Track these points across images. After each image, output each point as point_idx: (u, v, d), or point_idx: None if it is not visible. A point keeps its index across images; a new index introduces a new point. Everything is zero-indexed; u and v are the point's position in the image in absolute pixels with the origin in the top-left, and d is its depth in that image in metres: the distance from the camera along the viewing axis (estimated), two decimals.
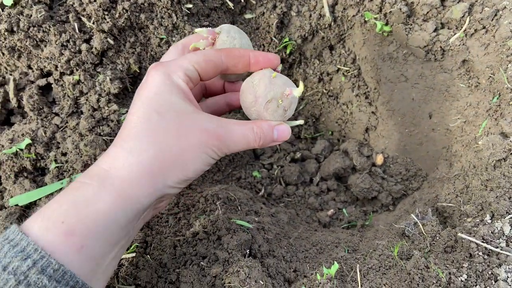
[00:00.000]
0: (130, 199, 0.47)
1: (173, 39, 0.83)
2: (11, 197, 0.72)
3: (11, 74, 0.80)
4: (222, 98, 0.68)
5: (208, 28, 0.61)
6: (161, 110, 0.51)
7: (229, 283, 0.58)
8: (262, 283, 0.58)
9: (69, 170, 0.73)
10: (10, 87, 0.78)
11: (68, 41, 0.76)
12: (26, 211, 0.73)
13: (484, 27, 0.80)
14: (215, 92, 0.68)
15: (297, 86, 0.56)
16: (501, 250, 0.57)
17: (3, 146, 0.74)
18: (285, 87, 0.56)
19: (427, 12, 0.84)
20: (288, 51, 1.00)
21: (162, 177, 0.49)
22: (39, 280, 0.40)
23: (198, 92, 0.66)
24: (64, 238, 0.43)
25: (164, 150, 0.49)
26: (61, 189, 0.71)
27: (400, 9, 0.84)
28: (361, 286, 0.60)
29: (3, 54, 0.77)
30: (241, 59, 0.57)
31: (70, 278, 0.41)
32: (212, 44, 0.60)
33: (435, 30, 0.83)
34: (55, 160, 0.73)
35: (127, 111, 0.78)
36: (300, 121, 0.61)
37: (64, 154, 0.74)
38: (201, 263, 0.63)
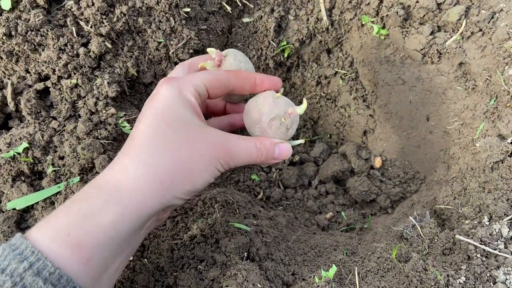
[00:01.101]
0: (137, 210, 0.48)
1: (171, 42, 0.83)
2: (9, 201, 0.72)
3: (9, 78, 0.80)
4: (225, 119, 0.70)
5: (217, 50, 0.64)
6: (171, 122, 0.52)
7: (227, 286, 0.58)
8: (260, 286, 0.58)
9: (66, 174, 0.72)
10: (8, 91, 0.78)
11: (66, 45, 0.76)
12: (23, 215, 0.73)
13: (480, 30, 0.80)
14: (216, 113, 0.71)
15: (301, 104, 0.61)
16: (499, 252, 0.57)
17: (0, 150, 0.74)
18: (288, 107, 0.59)
19: (424, 15, 0.84)
20: (286, 55, 1.00)
21: (170, 188, 0.50)
22: (34, 282, 0.40)
23: (202, 110, 0.68)
24: (70, 250, 0.43)
25: (175, 162, 0.50)
26: (58, 193, 0.71)
27: (397, 12, 0.85)
28: None
29: (1, 58, 0.77)
30: (248, 80, 0.60)
31: (67, 283, 0.41)
32: (219, 65, 0.63)
33: (432, 33, 0.84)
34: (53, 164, 0.73)
35: (125, 115, 0.79)
36: (301, 140, 0.65)
37: (62, 158, 0.74)
38: (199, 266, 0.63)
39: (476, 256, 0.58)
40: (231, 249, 0.65)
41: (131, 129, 0.77)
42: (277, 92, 0.62)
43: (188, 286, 0.60)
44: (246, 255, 0.66)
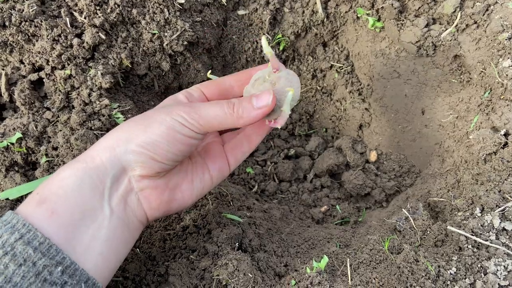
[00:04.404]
0: (93, 161, 0.50)
1: (165, 34, 0.83)
2: (2, 191, 0.72)
3: (3, 69, 0.80)
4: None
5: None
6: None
7: (218, 275, 0.58)
8: (251, 276, 0.58)
9: (60, 164, 0.72)
10: (2, 82, 0.78)
11: (59, 35, 0.76)
12: (16, 204, 0.73)
13: (475, 22, 0.80)
14: None
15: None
16: (490, 243, 0.57)
17: None
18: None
19: (419, 8, 0.84)
20: (281, 48, 1.00)
21: (125, 142, 0.51)
22: (24, 251, 0.42)
23: None
24: (36, 206, 0.46)
25: (133, 123, 0.53)
26: None
27: (392, 4, 0.84)
28: (351, 280, 0.60)
29: None
30: (243, 73, 0.62)
31: (56, 252, 0.43)
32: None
33: (427, 25, 0.83)
34: (46, 154, 0.73)
35: (118, 106, 0.78)
36: (290, 92, 0.54)
37: (55, 148, 0.74)
38: (191, 256, 0.63)
39: (467, 247, 0.58)
40: (223, 239, 0.65)
41: (125, 120, 0.77)
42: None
43: (179, 275, 0.60)
44: (238, 246, 0.66)
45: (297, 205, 1.00)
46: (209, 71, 0.64)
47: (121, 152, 0.50)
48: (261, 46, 0.56)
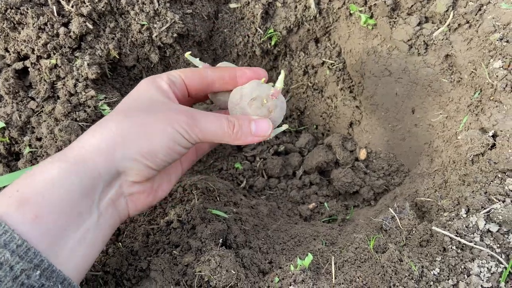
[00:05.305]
0: (86, 164, 0.47)
1: (154, 25, 0.82)
2: None
3: None
4: None
5: (204, 63, 0.64)
6: (137, 100, 0.55)
7: (200, 271, 0.57)
8: (234, 272, 0.58)
9: (43, 155, 0.71)
10: None
11: (46, 24, 0.74)
12: None
13: (467, 22, 0.79)
14: None
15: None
16: (474, 244, 0.57)
17: None
18: (271, 90, 0.58)
19: (412, 6, 0.83)
20: (273, 43, 0.99)
21: (123, 147, 0.49)
22: (1, 254, 0.40)
23: (180, 97, 0.66)
24: (17, 206, 0.43)
25: (131, 125, 0.50)
26: None
27: (385, 2, 0.84)
28: (335, 278, 0.59)
29: None
30: (227, 71, 0.60)
31: (34, 255, 0.41)
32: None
33: (419, 24, 0.83)
34: (29, 145, 0.72)
35: (105, 97, 0.77)
36: (285, 126, 0.61)
37: (39, 139, 0.73)
38: (174, 251, 0.63)
39: (451, 248, 0.58)
40: (206, 235, 0.64)
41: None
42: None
43: (161, 270, 0.59)
44: (222, 242, 0.65)
45: (285, 201, 0.99)
46: (188, 52, 0.62)
47: (119, 158, 0.49)
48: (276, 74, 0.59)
